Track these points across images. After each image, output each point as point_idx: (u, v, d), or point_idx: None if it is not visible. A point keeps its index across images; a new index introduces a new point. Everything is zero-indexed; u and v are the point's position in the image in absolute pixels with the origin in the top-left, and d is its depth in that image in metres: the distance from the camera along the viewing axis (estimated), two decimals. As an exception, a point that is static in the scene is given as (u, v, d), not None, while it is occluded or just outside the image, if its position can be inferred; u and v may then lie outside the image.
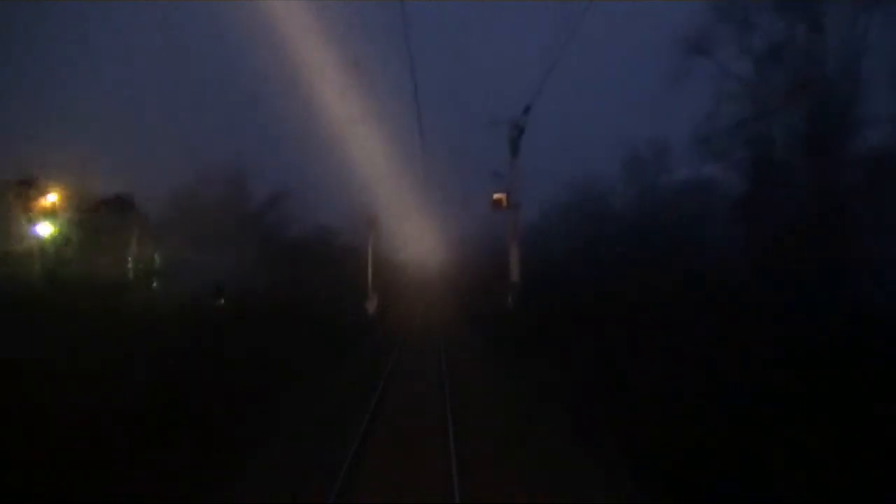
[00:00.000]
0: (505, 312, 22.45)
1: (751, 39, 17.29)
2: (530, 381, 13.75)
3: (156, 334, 14.59)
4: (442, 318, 30.78)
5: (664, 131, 30.41)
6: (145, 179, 40.60)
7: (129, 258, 33.52)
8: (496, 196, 21.80)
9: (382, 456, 8.68)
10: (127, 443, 8.07)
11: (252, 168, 36.26)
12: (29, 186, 26.09)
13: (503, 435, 9.72)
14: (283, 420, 10.69)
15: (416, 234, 58.59)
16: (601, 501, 7.16)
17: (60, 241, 28.69)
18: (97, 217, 27.63)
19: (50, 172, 28.51)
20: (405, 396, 13.07)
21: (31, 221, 26.84)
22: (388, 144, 43.78)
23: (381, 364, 16.91)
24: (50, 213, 29.21)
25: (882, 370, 8.42)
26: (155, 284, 33.04)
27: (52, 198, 29.31)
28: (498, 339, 20.14)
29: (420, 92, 17.69)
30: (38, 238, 27.43)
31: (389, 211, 44.19)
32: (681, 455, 7.48)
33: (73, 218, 29.65)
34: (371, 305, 28.96)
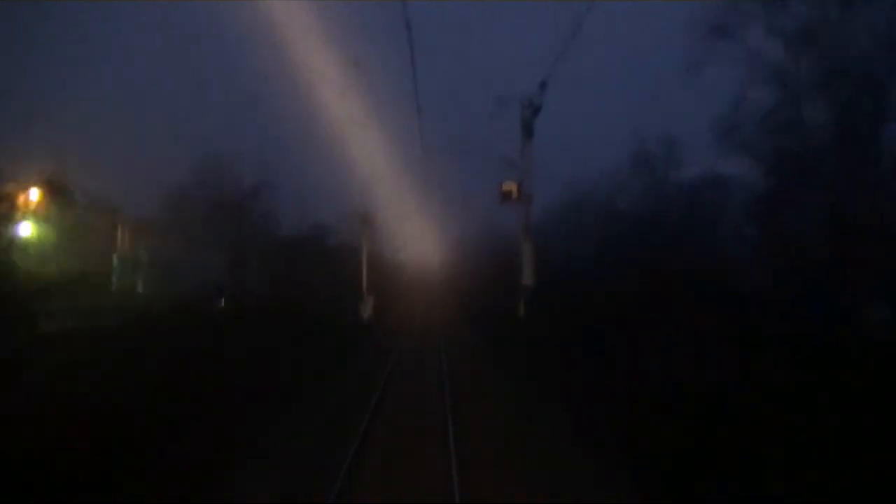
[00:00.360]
0: (516, 320, 20.65)
1: (781, 19, 16.78)
2: (560, 416, 11.24)
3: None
4: (444, 326, 29.98)
5: (671, 129, 30.29)
6: (143, 179, 41.34)
7: (114, 256, 33.76)
8: (505, 187, 19.94)
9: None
10: (127, 442, 8.31)
11: (250, 168, 36.50)
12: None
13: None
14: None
15: (416, 234, 59.01)
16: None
17: (37, 241, 28.92)
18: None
19: (32, 170, 28.79)
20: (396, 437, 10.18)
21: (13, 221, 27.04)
22: (388, 144, 44.40)
23: (375, 376, 15.27)
24: (32, 212, 29.45)
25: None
26: (140, 288, 33.17)
27: (33, 196, 29.52)
28: (509, 353, 17.73)
29: (420, 91, 17.62)
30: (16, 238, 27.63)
31: (389, 210, 44.54)
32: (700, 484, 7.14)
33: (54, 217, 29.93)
34: (365, 309, 28.66)
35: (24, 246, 27.47)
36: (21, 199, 27.65)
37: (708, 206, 26.65)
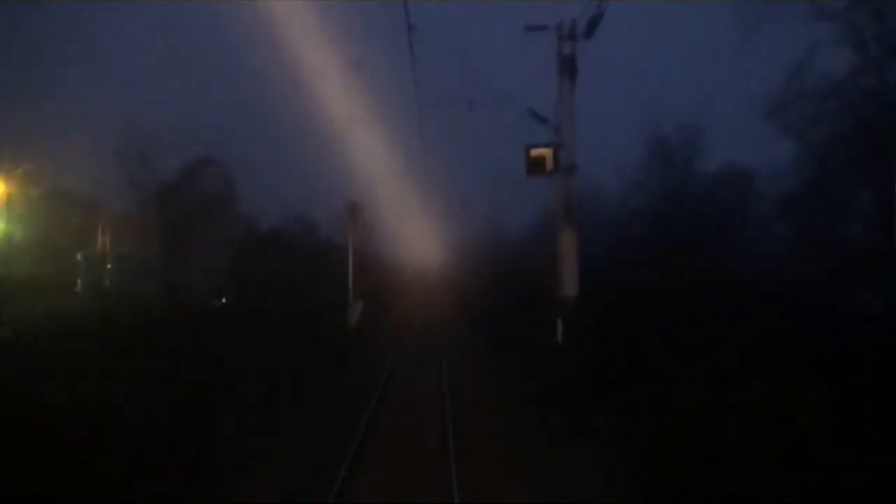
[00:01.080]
0: (552, 349, 14.39)
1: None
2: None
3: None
4: (448, 347, 23.22)
5: (688, 120, 28.93)
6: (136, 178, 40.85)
7: (78, 254, 31.84)
8: (535, 152, 14.16)
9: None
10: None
11: (247, 168, 35.38)
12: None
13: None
14: None
15: (416, 235, 58.34)
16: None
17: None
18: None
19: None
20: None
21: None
22: (389, 144, 44.26)
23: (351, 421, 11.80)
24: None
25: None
26: (108, 283, 31.14)
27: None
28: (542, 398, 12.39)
29: (421, 91, 15.40)
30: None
31: (390, 210, 43.93)
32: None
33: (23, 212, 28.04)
34: (353, 315, 26.71)
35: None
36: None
37: (735, 202, 24.83)
